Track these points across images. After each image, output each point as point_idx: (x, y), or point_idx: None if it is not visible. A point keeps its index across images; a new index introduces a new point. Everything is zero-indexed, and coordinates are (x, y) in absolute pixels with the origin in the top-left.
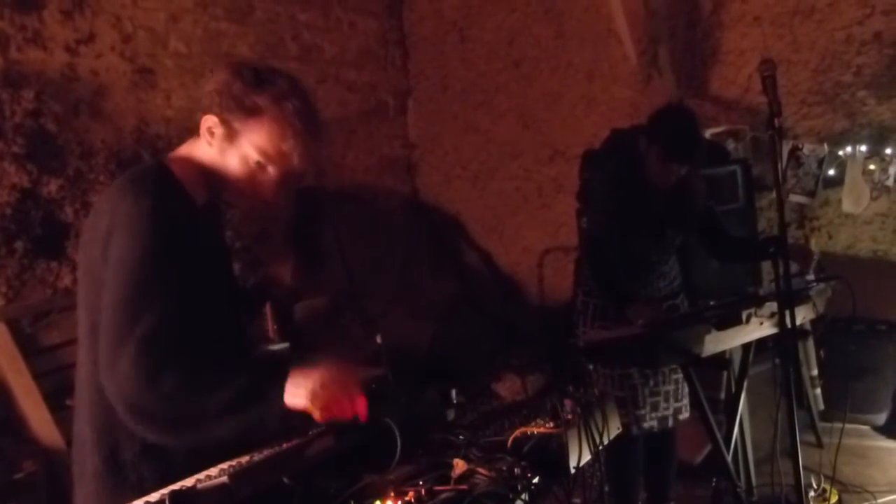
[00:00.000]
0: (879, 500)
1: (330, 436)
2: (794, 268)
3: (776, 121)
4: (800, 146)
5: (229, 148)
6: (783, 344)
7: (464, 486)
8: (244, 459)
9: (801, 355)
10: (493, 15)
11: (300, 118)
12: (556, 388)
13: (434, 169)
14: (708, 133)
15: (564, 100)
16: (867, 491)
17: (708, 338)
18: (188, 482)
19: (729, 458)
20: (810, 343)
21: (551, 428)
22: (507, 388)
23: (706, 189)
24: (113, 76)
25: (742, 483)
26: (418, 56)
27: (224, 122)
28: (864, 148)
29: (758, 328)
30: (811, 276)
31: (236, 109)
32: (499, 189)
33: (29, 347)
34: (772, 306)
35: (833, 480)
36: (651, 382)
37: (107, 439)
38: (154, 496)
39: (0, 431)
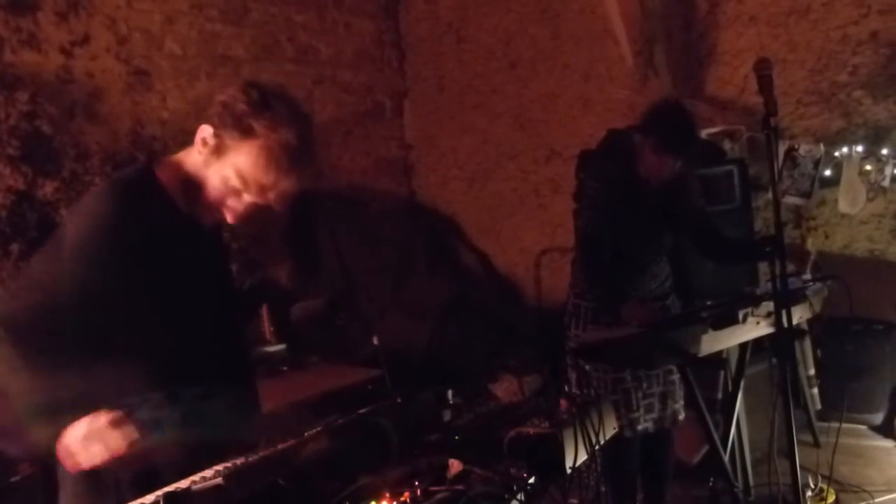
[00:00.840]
0: (877, 500)
1: (325, 437)
2: (790, 268)
3: (772, 120)
4: (796, 146)
5: (215, 163)
6: (780, 344)
7: (459, 487)
8: (239, 461)
9: (798, 355)
10: (489, 16)
11: (288, 154)
12: (552, 388)
13: (431, 170)
14: (704, 133)
15: (561, 100)
16: (864, 490)
17: (704, 337)
18: (183, 483)
19: (726, 458)
20: (807, 343)
21: (547, 428)
22: (505, 389)
23: (700, 190)
24: (108, 78)
25: (739, 483)
26: (414, 57)
27: (217, 136)
28: (860, 148)
29: (754, 328)
30: (808, 276)
31: (232, 127)
32: (495, 190)
33: None
34: (768, 306)
35: (830, 480)
36: (644, 385)
37: None
38: (149, 497)
39: None
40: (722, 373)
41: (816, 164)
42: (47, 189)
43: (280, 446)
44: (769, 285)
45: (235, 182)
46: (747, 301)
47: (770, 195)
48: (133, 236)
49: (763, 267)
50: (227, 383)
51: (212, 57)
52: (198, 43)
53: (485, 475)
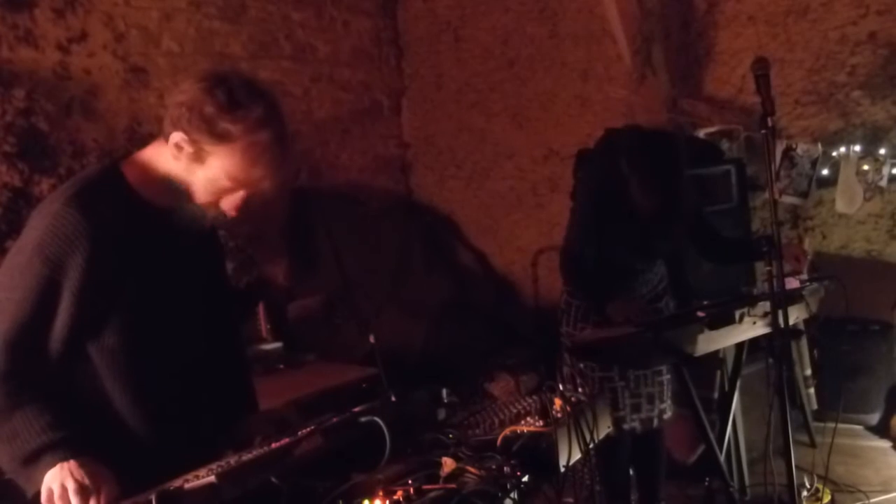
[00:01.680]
0: (872, 500)
1: (318, 435)
2: (787, 268)
3: (769, 120)
4: (793, 146)
5: (198, 168)
6: (776, 343)
7: (453, 485)
8: (232, 459)
9: (795, 355)
10: (487, 14)
11: (273, 147)
12: (546, 386)
13: (428, 168)
14: (702, 133)
15: (559, 99)
16: (860, 490)
17: (700, 337)
18: (176, 482)
19: (722, 458)
20: (803, 343)
21: (541, 427)
22: (501, 388)
23: (696, 192)
24: (105, 75)
25: (735, 483)
26: (412, 55)
27: (193, 143)
28: (857, 148)
29: (751, 328)
30: (804, 276)
31: (207, 133)
32: (493, 189)
33: None
34: (765, 306)
35: (826, 480)
36: (632, 385)
37: None
38: (141, 497)
39: None
40: (718, 372)
41: (814, 163)
42: (44, 186)
43: (273, 445)
44: (766, 285)
45: (226, 183)
46: (744, 301)
47: (767, 195)
48: (98, 242)
49: (760, 267)
50: (223, 382)
51: (209, 54)
52: (195, 40)
53: (478, 473)
